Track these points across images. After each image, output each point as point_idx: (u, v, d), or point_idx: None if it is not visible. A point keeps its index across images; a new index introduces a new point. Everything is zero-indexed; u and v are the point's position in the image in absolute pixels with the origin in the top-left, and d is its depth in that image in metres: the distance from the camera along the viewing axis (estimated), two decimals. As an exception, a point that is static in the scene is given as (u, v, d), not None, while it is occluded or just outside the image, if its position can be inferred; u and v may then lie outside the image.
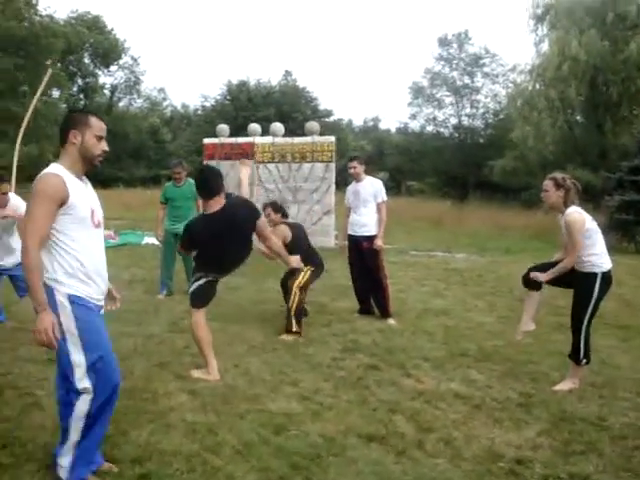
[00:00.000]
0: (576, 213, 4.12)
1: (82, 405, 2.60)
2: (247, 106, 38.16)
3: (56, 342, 2.41)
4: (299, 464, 2.99)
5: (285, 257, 5.02)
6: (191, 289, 4.39)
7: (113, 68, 46.01)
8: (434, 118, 38.12)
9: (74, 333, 2.55)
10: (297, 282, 5.69)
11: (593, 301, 4.17)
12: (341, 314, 6.57)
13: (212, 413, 3.62)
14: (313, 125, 12.29)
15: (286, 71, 44.75)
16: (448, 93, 37.55)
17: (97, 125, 2.68)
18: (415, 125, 39.39)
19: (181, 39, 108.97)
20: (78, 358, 2.56)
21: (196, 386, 4.08)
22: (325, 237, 11.98)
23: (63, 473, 2.67)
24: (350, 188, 6.65)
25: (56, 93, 38.43)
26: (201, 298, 4.37)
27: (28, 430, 3.29)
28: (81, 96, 44.21)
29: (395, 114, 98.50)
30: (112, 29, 44.78)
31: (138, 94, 50.05)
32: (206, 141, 13.98)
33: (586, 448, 3.26)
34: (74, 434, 2.64)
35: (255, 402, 3.82)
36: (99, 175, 40.74)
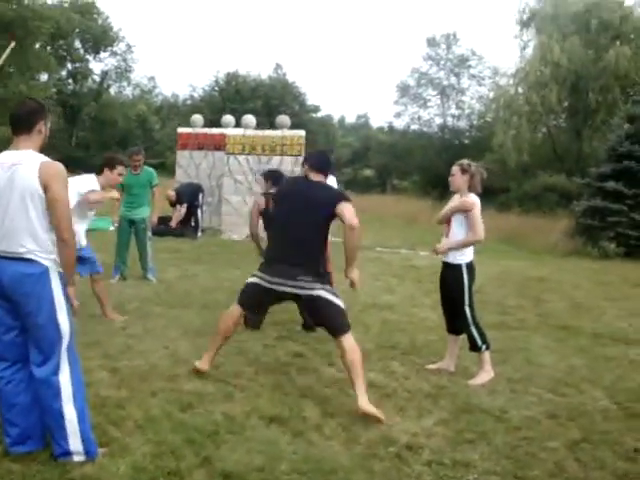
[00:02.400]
0: (476, 198, 4.42)
1: (65, 383, 2.71)
2: (235, 98, 38.17)
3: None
4: (195, 439, 3.10)
5: None
6: None
7: (104, 55, 45.69)
8: (419, 117, 38.36)
9: (64, 305, 2.71)
10: None
11: (466, 290, 4.44)
12: (286, 303, 6.66)
13: (126, 389, 3.73)
14: (283, 119, 12.39)
15: (277, 64, 44.76)
16: (434, 93, 37.80)
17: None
18: (400, 124, 39.62)
19: (174, 28, 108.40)
20: (65, 328, 2.71)
21: (119, 364, 4.18)
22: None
23: (80, 457, 2.73)
24: None
25: (44, 77, 38.26)
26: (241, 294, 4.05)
27: None
28: (70, 81, 43.88)
29: (383, 112, 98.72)
30: (107, 16, 44.50)
31: (128, 82, 49.77)
32: (180, 130, 14.05)
33: (477, 437, 3.38)
34: (71, 416, 2.71)
35: (171, 382, 3.94)
36: (86, 161, 40.63)
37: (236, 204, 12.83)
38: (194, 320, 5.63)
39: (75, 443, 2.72)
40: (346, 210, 3.72)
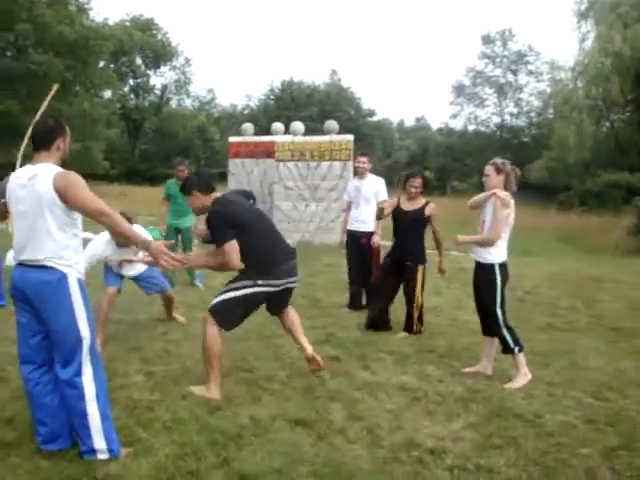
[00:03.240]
0: (509, 198, 4.30)
1: (88, 384, 2.85)
2: (290, 105, 38.61)
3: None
4: (218, 441, 3.16)
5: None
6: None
7: (164, 69, 47.26)
8: (476, 117, 37.63)
9: (83, 310, 2.83)
10: (419, 286, 5.76)
11: (498, 291, 4.30)
12: (330, 309, 6.71)
13: (158, 393, 3.84)
14: (331, 124, 12.42)
15: (332, 70, 45.11)
16: (490, 91, 37.00)
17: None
18: (456, 124, 39.00)
19: (230, 40, 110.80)
20: (85, 332, 2.83)
21: (155, 368, 4.31)
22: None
23: (104, 455, 2.87)
24: (352, 183, 6.85)
25: (107, 93, 39.80)
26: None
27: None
28: (132, 95, 45.57)
29: (441, 114, 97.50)
30: (166, 32, 46.03)
31: (188, 94, 51.25)
32: (231, 139, 14.31)
33: (506, 442, 3.30)
34: (94, 416, 2.84)
35: (202, 385, 3.99)
36: (148, 173, 42.02)
37: (287, 210, 12.96)
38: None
39: (99, 441, 2.83)
40: None
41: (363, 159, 6.62)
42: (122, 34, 36.57)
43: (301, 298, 7.20)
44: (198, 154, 45.59)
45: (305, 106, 37.95)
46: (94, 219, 2.79)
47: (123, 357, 4.54)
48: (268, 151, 13.43)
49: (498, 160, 4.44)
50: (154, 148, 45.17)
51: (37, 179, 2.73)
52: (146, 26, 44.39)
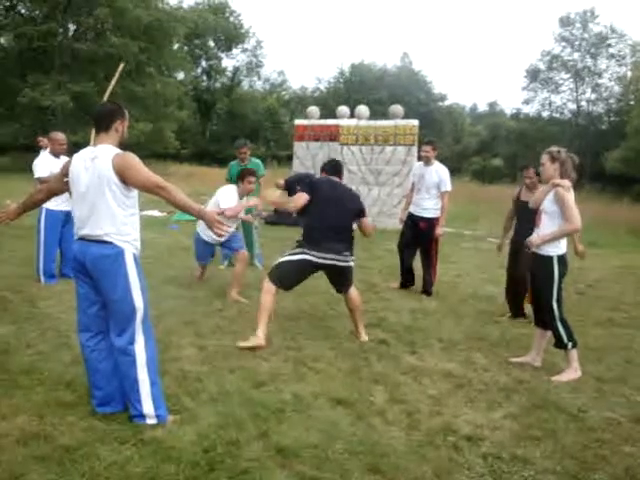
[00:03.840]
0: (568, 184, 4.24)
1: (140, 352, 3.04)
2: (359, 88, 38.42)
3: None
4: (259, 414, 3.30)
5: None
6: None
7: (236, 51, 47.93)
8: (550, 103, 36.20)
9: (137, 282, 3.03)
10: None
11: (556, 284, 4.22)
12: (385, 293, 6.76)
13: (208, 366, 4.01)
14: (396, 108, 12.33)
15: (404, 53, 44.58)
16: (567, 76, 35.42)
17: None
18: (529, 110, 37.64)
19: (302, 22, 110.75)
20: (139, 303, 3.02)
21: (207, 342, 4.50)
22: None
23: (152, 420, 3.06)
24: (417, 168, 6.98)
25: (181, 75, 40.79)
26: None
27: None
28: (204, 77, 46.50)
29: (513, 99, 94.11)
30: (239, 14, 46.64)
31: (259, 76, 51.82)
32: (297, 122, 14.42)
33: (545, 435, 3.28)
34: (144, 382, 3.04)
35: (251, 360, 4.16)
36: (218, 154, 42.92)
37: (349, 194, 13.01)
38: (288, 305, 5.85)
39: (148, 407, 3.02)
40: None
41: (427, 147, 6.74)
42: (195, 17, 37.24)
43: (357, 282, 7.27)
44: (267, 136, 46.16)
45: (375, 89, 37.66)
46: (152, 193, 2.95)
47: (178, 331, 4.75)
48: (333, 134, 13.48)
49: (554, 148, 4.37)
50: (224, 129, 46.02)
51: (97, 160, 2.91)
52: (219, 9, 45.09)
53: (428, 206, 6.67)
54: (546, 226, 4.28)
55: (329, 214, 4.69)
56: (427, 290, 6.72)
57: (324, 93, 42.89)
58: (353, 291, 4.98)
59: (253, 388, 3.68)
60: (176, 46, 33.07)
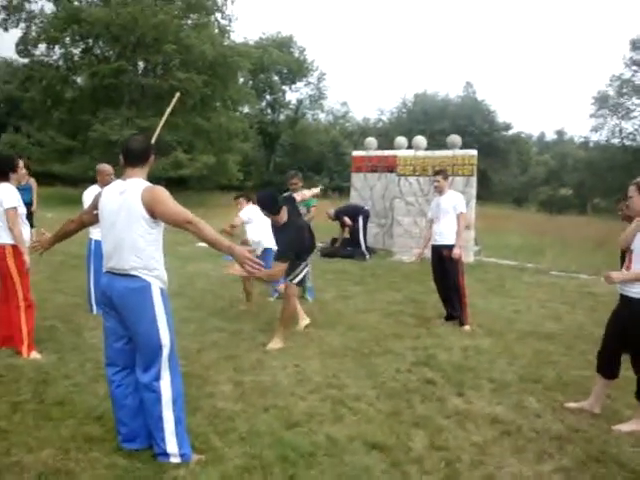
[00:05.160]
0: None
1: (165, 389, 2.98)
2: (422, 119, 38.25)
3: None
4: (289, 457, 3.15)
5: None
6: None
7: (299, 84, 48.85)
8: (621, 130, 34.73)
9: (164, 318, 2.97)
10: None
11: None
12: (437, 329, 6.50)
13: (242, 403, 3.91)
14: (454, 138, 12.10)
15: (467, 82, 44.11)
16: (639, 101, 33.96)
17: None
18: (598, 137, 36.25)
19: (365, 53, 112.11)
20: (165, 339, 2.97)
21: (245, 378, 4.40)
22: (463, 252, 11.68)
23: (176, 459, 3.00)
24: (433, 202, 7.12)
25: (246, 109, 41.86)
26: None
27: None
28: (268, 110, 47.56)
29: (582, 127, 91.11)
30: (303, 49, 47.65)
31: (322, 109, 52.51)
32: (354, 154, 14.42)
33: (600, 492, 2.97)
34: (169, 420, 2.98)
35: (287, 398, 4.03)
36: (282, 185, 43.47)
37: (407, 226, 12.80)
38: (335, 341, 5.71)
39: (172, 446, 2.94)
40: None
41: (438, 177, 6.91)
42: (260, 52, 38.28)
43: (408, 316, 7.07)
44: (331, 167, 46.49)
45: (437, 119, 37.41)
46: (182, 228, 2.91)
47: (217, 365, 4.69)
48: (390, 166, 13.37)
49: None
50: (289, 161, 46.67)
51: (127, 194, 2.91)
52: (284, 44, 46.22)
53: (447, 231, 6.73)
54: (636, 264, 3.83)
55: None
56: (460, 321, 6.66)
57: (386, 124, 42.90)
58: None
59: (286, 429, 3.54)
60: (241, 80, 34.01)
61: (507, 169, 40.03)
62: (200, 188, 30.84)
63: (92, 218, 3.24)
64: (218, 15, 29.57)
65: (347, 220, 12.58)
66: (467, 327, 6.53)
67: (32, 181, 10.92)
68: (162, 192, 2.91)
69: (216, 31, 28.59)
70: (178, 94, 6.85)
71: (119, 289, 2.93)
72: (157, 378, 2.96)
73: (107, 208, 2.99)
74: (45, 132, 27.63)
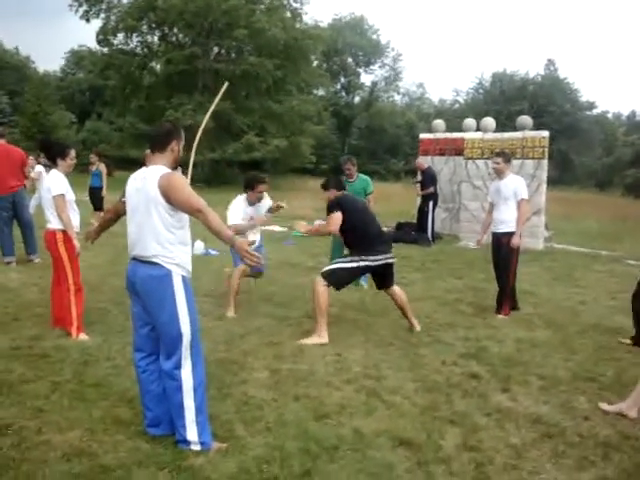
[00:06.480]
0: None
1: (187, 377, 2.99)
2: (499, 99, 36.87)
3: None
4: (311, 450, 3.08)
5: None
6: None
7: (374, 66, 48.29)
8: None
9: (185, 306, 2.97)
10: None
11: None
12: (492, 319, 6.24)
13: (274, 391, 3.87)
14: (524, 119, 11.58)
15: (548, 60, 41.96)
16: None
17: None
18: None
19: (442, 32, 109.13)
20: (185, 328, 2.96)
21: (283, 366, 4.36)
22: (532, 238, 11.24)
23: (196, 446, 3.01)
24: (492, 185, 6.84)
25: (321, 92, 41.85)
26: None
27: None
28: (343, 93, 47.35)
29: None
30: (377, 30, 47.02)
31: (397, 90, 51.77)
32: (422, 136, 14.09)
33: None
34: (190, 408, 2.98)
35: (321, 388, 3.97)
36: (358, 168, 43.22)
37: (474, 210, 12.41)
38: (382, 329, 5.60)
39: (192, 433, 2.95)
40: None
41: (497, 159, 6.54)
42: (334, 34, 38.05)
43: (465, 305, 6.83)
44: (406, 151, 45.84)
45: (515, 100, 35.92)
46: (193, 215, 2.89)
47: (257, 351, 4.67)
48: (458, 148, 12.98)
49: None
50: (363, 144, 46.39)
51: (146, 180, 2.91)
52: (357, 25, 45.71)
53: (508, 218, 6.37)
54: None
55: (369, 222, 5.44)
56: (497, 310, 6.42)
57: (462, 105, 41.70)
58: (396, 287, 5.62)
59: (313, 420, 3.47)
60: (315, 63, 33.96)
61: (590, 151, 37.97)
62: (274, 172, 31.22)
63: (123, 206, 3.27)
64: (290, -1, 29.63)
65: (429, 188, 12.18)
66: (501, 316, 6.29)
67: (102, 167, 11.36)
68: (178, 179, 2.89)
69: (288, 14, 28.61)
70: (227, 84, 6.90)
71: (141, 276, 2.95)
72: (178, 366, 2.96)
73: (130, 195, 3.01)
74: (124, 118, 28.71)
